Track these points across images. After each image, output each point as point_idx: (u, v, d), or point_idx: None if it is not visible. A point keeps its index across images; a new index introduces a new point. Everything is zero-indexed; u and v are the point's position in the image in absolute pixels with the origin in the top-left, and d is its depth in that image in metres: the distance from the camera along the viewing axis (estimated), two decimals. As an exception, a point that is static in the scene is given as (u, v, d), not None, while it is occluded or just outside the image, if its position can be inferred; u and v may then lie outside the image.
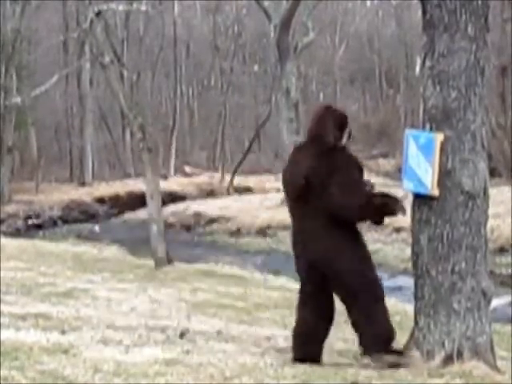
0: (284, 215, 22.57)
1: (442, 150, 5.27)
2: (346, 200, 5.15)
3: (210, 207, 26.69)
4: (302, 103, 34.86)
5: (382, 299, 5.36)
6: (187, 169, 41.08)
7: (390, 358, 5.26)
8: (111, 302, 7.95)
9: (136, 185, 30.85)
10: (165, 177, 34.99)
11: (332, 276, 5.32)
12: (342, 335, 6.16)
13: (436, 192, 5.26)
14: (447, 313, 5.30)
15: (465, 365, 5.20)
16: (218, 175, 39.05)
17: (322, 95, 56.08)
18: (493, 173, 19.15)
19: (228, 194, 34.16)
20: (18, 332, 5.72)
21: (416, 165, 5.33)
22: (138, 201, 27.68)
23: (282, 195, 25.79)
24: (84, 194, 32.57)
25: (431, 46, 5.40)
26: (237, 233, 22.61)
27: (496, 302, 8.04)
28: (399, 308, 8.53)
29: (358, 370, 5.20)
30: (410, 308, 5.62)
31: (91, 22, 13.63)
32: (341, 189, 5.14)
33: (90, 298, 8.16)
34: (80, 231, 24.26)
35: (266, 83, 45.16)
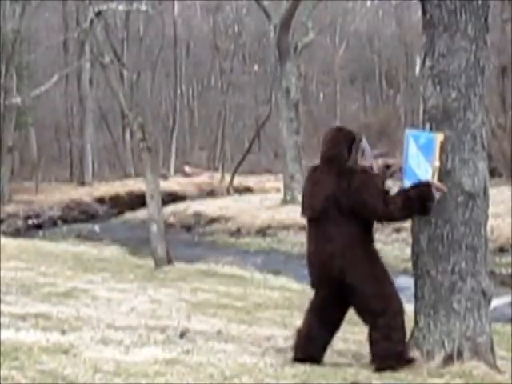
0: (284, 215, 22.65)
1: (442, 149, 5.27)
2: (387, 208, 5.20)
3: (210, 207, 26.68)
4: (302, 103, 34.89)
5: (400, 313, 5.32)
6: (187, 169, 41.07)
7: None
8: (111, 302, 7.94)
9: (136, 185, 30.86)
10: (165, 177, 34.99)
11: (348, 291, 5.32)
12: (341, 335, 6.15)
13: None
14: (447, 313, 5.30)
15: (465, 365, 5.21)
16: (218, 175, 39.04)
17: (321, 95, 56.11)
18: (493, 173, 19.18)
19: (228, 194, 34.15)
20: (18, 332, 5.72)
21: (416, 165, 5.33)
22: (137, 201, 27.69)
23: (281, 195, 25.85)
24: (84, 194, 32.55)
25: (431, 46, 5.40)
26: (237, 233, 22.60)
27: (496, 302, 8.04)
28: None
29: (358, 369, 5.20)
30: (410, 308, 5.61)
31: (91, 21, 13.61)
32: (375, 200, 5.20)
33: (90, 298, 8.16)
34: (80, 231, 24.24)
35: (266, 83, 45.17)
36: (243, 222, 23.24)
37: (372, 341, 5.32)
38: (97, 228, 25.13)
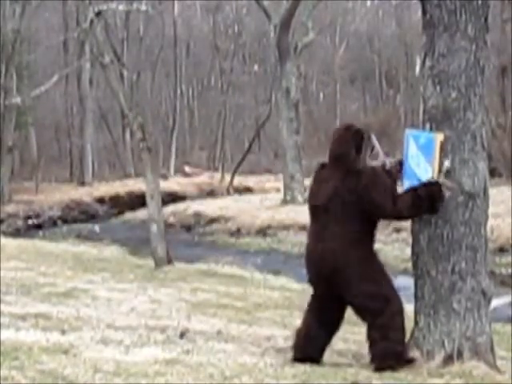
0: (284, 215, 22.64)
1: (442, 149, 5.27)
2: (396, 207, 5.20)
3: (210, 207, 26.68)
4: (302, 103, 34.90)
5: (399, 312, 5.31)
6: (187, 169, 41.06)
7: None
8: (111, 302, 7.94)
9: (136, 185, 30.84)
10: (165, 177, 34.97)
11: (344, 290, 5.32)
12: (341, 335, 6.15)
13: None
14: (447, 313, 5.30)
15: (465, 365, 5.21)
16: (218, 175, 39.04)
17: (321, 95, 56.10)
18: (493, 173, 19.18)
19: (228, 193, 34.14)
20: (18, 332, 5.72)
21: (416, 165, 5.33)
22: (137, 201, 27.68)
23: (281, 195, 25.85)
24: (84, 194, 32.54)
25: (431, 46, 5.41)
26: (237, 233, 22.59)
27: (496, 302, 8.04)
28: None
29: (358, 369, 5.20)
30: (410, 308, 5.61)
31: (91, 21, 13.61)
32: (384, 198, 5.20)
33: (90, 298, 8.16)
34: (80, 231, 24.23)
35: (266, 83, 45.17)
36: (243, 221, 23.24)
37: (370, 341, 5.32)
38: (97, 228, 25.13)
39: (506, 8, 26.83)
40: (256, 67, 51.67)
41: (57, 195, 31.45)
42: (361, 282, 5.25)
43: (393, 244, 17.66)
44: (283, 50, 25.39)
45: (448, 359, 5.25)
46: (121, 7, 24.15)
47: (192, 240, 22.36)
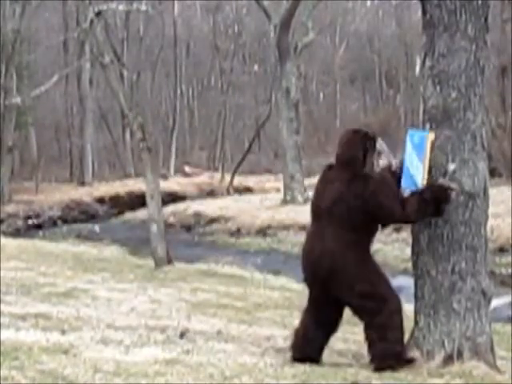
0: (284, 215, 22.64)
1: (432, 149, 5.29)
2: (404, 211, 5.19)
3: (210, 207, 26.68)
4: (302, 103, 34.90)
5: (397, 312, 5.31)
6: (187, 169, 41.06)
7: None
8: (111, 302, 7.94)
9: (136, 185, 30.84)
10: (165, 177, 34.97)
11: (340, 291, 5.32)
12: (341, 335, 6.16)
13: None
14: (447, 313, 5.30)
15: (465, 365, 5.21)
16: (218, 175, 39.04)
17: (321, 95, 56.10)
18: (493, 173, 19.17)
19: (228, 193, 34.14)
20: (18, 332, 5.72)
21: (410, 163, 5.37)
22: (137, 201, 27.68)
23: (281, 195, 25.84)
24: (84, 194, 32.54)
25: (431, 46, 5.41)
26: (237, 233, 22.59)
27: (496, 302, 8.04)
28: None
29: (357, 369, 5.20)
30: (410, 308, 5.61)
31: (91, 21, 13.61)
32: (392, 203, 5.20)
33: (90, 298, 8.16)
34: (80, 231, 24.23)
35: (266, 83, 45.17)
36: (243, 221, 23.24)
37: (369, 341, 5.32)
38: (97, 228, 25.13)
39: (506, 8, 26.82)
40: (256, 67, 51.66)
41: (57, 195, 31.45)
42: (357, 283, 5.25)
43: (393, 244, 17.65)
44: (283, 50, 25.39)
45: (448, 359, 5.25)
46: (121, 7, 24.16)
47: (192, 240, 22.37)
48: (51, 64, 39.12)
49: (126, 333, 5.99)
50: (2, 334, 5.47)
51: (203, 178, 39.12)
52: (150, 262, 12.72)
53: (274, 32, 25.84)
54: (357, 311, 5.37)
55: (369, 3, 54.69)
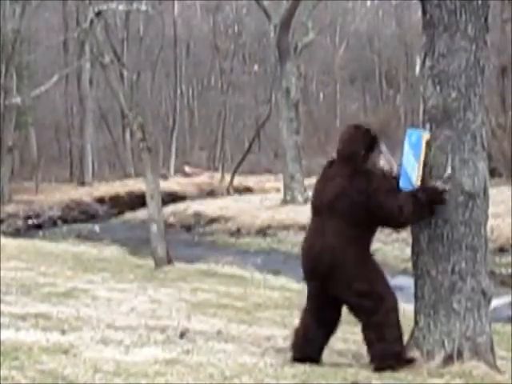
0: (284, 215, 22.63)
1: (427, 148, 5.31)
2: (402, 214, 5.20)
3: (210, 207, 26.68)
4: (302, 103, 34.89)
5: (394, 309, 5.31)
6: (187, 169, 41.06)
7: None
8: (111, 302, 7.94)
9: (136, 185, 30.85)
10: (165, 177, 34.97)
11: (338, 288, 5.31)
12: (341, 335, 6.16)
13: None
14: (447, 313, 5.30)
15: (465, 365, 5.21)
16: (218, 175, 39.04)
17: (321, 95, 56.09)
18: (493, 173, 19.17)
19: (228, 193, 34.14)
20: (18, 332, 5.72)
21: (407, 162, 5.38)
22: (137, 201, 27.68)
23: (281, 195, 25.84)
24: (84, 194, 32.54)
25: (431, 46, 5.41)
26: (237, 233, 22.59)
27: (496, 302, 8.04)
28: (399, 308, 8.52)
29: (357, 369, 5.20)
30: (410, 308, 5.61)
31: (91, 21, 13.61)
32: (393, 205, 5.20)
33: (90, 298, 8.16)
34: (80, 231, 24.23)
35: (266, 83, 45.16)
36: (243, 221, 23.24)
37: (367, 341, 5.32)
38: (97, 228, 25.13)
39: (506, 8, 26.82)
40: (256, 67, 51.66)
41: (57, 195, 31.45)
42: (355, 281, 5.25)
43: (393, 244, 17.64)
44: (283, 50, 25.39)
45: (448, 359, 5.25)
46: (121, 7, 24.16)
47: (192, 240, 22.37)
48: (51, 64, 39.12)
49: (126, 333, 5.99)
50: (2, 334, 5.47)
51: (203, 178, 39.13)
52: (150, 262, 12.72)
53: (274, 32, 25.84)
54: (354, 310, 5.37)
55: (369, 3, 54.69)
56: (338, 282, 5.28)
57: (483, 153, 5.40)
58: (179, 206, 27.75)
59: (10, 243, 15.10)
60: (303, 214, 17.91)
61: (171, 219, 24.61)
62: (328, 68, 52.60)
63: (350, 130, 5.53)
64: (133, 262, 14.00)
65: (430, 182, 5.34)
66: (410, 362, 5.26)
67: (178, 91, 44.50)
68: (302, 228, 17.32)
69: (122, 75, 32.10)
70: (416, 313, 5.44)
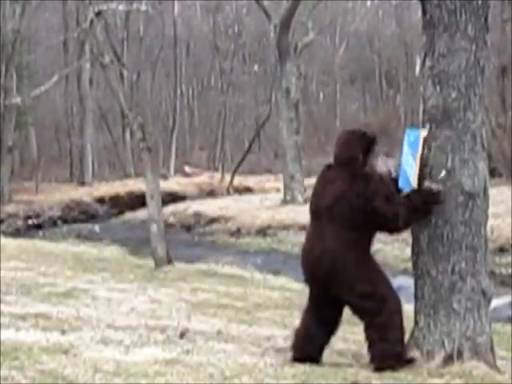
0: (284, 215, 22.63)
1: (424, 146, 5.33)
2: (396, 222, 5.23)
3: (210, 207, 26.68)
4: (302, 103, 34.89)
5: (398, 312, 5.31)
6: (187, 169, 41.06)
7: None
8: (111, 302, 7.94)
9: (136, 185, 30.85)
10: (165, 177, 34.97)
11: (340, 291, 5.32)
12: (341, 335, 6.15)
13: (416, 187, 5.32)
14: (447, 313, 5.30)
15: (465, 365, 5.21)
16: (218, 175, 39.04)
17: (321, 95, 56.10)
18: (493, 173, 19.17)
19: (228, 193, 34.15)
20: (18, 332, 5.72)
21: (406, 162, 5.39)
22: (137, 201, 27.68)
23: (281, 195, 25.84)
24: (84, 194, 32.55)
25: (431, 46, 5.40)
26: (237, 233, 22.59)
27: (496, 302, 8.04)
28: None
29: (357, 369, 5.20)
30: (410, 308, 5.61)
31: (91, 21, 13.61)
32: (388, 209, 5.20)
33: (90, 298, 8.16)
34: (80, 231, 24.23)
35: (266, 83, 45.17)
36: (243, 221, 23.24)
37: (369, 341, 5.32)
38: (97, 228, 25.13)
39: (506, 8, 26.83)
40: (256, 67, 51.67)
41: (57, 195, 31.46)
42: (357, 283, 5.25)
43: (393, 244, 17.63)
44: (283, 50, 25.39)
45: (448, 359, 5.25)
46: (121, 7, 24.15)
47: (192, 240, 22.36)
48: (51, 64, 39.13)
49: (126, 333, 5.99)
50: (2, 334, 5.47)
51: (203, 178, 39.13)
52: (150, 262, 12.72)
53: (274, 32, 25.84)
54: (357, 311, 5.37)
55: (369, 3, 54.70)
56: (339, 284, 5.28)
57: (483, 153, 5.40)
58: (179, 206, 27.75)
59: (10, 243, 15.10)
60: (303, 213, 17.89)
61: (171, 219, 24.61)
62: (328, 68, 52.61)
63: (345, 135, 5.54)
64: (133, 262, 14.00)
65: (424, 182, 5.34)
66: (409, 362, 5.26)
67: (178, 91, 44.50)
68: (302, 228, 17.32)
69: (122, 75, 32.11)
70: (416, 313, 5.44)
